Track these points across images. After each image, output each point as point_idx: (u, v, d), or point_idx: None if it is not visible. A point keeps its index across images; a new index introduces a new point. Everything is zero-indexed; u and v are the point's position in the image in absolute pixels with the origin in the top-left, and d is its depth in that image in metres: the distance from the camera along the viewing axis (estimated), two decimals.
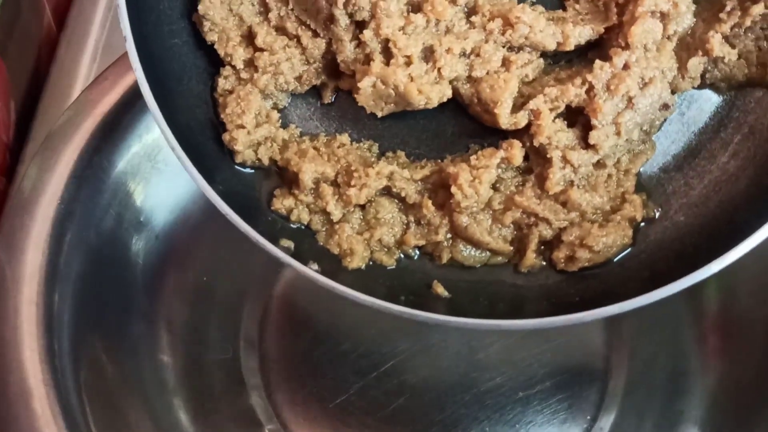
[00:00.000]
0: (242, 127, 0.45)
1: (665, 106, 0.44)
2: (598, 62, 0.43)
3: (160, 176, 0.58)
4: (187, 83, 0.46)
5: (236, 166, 0.46)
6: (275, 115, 0.46)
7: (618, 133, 0.43)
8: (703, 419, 0.54)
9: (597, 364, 0.59)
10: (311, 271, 0.43)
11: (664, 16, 0.42)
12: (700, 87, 0.44)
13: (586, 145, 0.43)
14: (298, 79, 0.46)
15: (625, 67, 0.42)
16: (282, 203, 0.46)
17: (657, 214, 0.45)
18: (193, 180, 0.42)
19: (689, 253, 0.43)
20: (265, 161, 0.46)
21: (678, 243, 0.44)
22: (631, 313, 0.58)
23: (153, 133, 0.57)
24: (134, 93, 0.56)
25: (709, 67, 0.43)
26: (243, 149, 0.45)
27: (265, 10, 0.46)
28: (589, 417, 0.56)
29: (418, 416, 0.58)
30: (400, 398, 0.58)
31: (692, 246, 0.43)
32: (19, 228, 0.51)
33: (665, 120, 0.45)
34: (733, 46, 0.43)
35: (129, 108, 0.56)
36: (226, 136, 0.45)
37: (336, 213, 0.45)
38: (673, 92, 0.44)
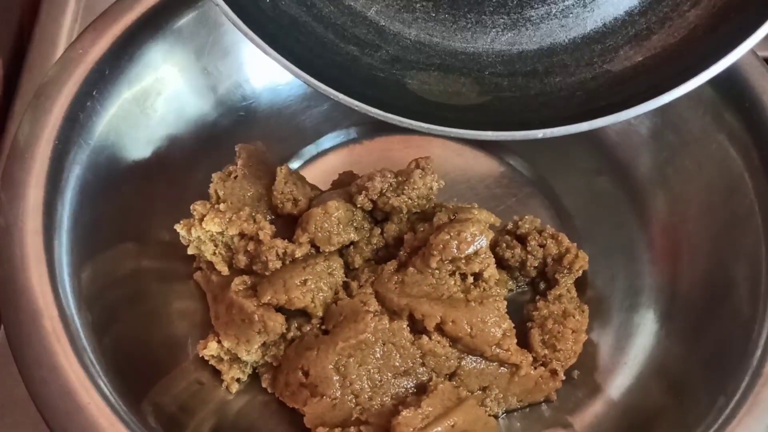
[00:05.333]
0: None
1: None
2: None
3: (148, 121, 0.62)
4: None
5: None
6: None
7: None
8: (656, 329, 0.59)
9: None
10: None
11: None
12: None
13: None
14: None
15: None
16: None
17: None
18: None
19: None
20: None
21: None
22: (589, 240, 0.63)
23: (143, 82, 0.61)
24: (123, 42, 0.59)
25: None
26: None
27: None
28: None
29: None
30: None
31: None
32: (18, 169, 0.54)
33: None
34: None
35: (119, 56, 0.59)
36: None
37: None
38: None
